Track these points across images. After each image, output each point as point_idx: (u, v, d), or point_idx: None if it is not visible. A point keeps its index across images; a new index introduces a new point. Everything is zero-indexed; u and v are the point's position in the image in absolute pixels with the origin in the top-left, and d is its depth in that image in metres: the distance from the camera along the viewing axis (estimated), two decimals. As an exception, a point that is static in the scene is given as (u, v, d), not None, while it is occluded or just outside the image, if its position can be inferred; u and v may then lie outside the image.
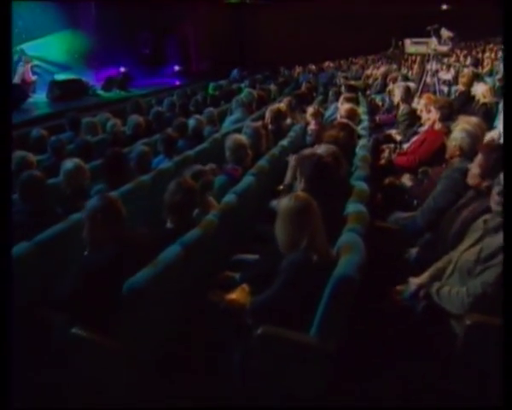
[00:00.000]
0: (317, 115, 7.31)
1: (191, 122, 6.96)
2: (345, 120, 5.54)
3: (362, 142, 5.67)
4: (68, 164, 4.44)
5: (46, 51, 17.66)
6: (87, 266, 2.98)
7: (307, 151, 4.11)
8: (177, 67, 20.96)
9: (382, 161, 5.78)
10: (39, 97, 13.68)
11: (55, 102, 12.34)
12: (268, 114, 6.95)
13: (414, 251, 3.58)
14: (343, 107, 6.55)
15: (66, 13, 17.09)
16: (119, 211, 3.19)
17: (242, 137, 5.23)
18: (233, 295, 3.15)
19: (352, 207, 3.55)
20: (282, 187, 4.84)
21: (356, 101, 8.13)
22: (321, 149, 3.95)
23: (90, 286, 2.87)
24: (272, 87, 12.27)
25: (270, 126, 6.79)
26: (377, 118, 8.74)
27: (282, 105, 7.51)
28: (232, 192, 4.42)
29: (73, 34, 17.54)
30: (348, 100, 7.39)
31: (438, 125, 5.57)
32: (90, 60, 17.90)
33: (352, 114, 6.20)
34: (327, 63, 22.06)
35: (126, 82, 15.45)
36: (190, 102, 10.04)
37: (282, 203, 2.89)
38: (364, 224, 3.29)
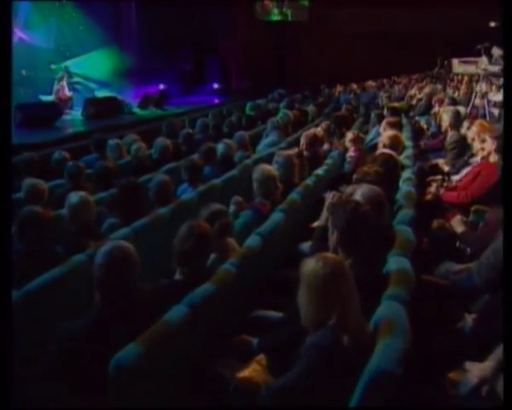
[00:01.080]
0: (357, 141, 6.70)
1: (220, 147, 6.42)
2: (387, 152, 4.91)
3: (406, 174, 5.03)
4: (73, 198, 3.95)
5: (87, 68, 17.61)
6: (61, 338, 2.41)
7: (341, 197, 3.50)
8: (216, 85, 20.61)
9: (429, 197, 5.12)
10: (77, 114, 13.45)
11: (90, 120, 12.06)
12: (303, 140, 6.36)
13: (470, 319, 2.91)
14: (386, 134, 5.90)
15: (108, 30, 16.98)
16: (126, 269, 2.62)
17: (271, 168, 4.66)
18: (246, 372, 2.57)
19: (395, 262, 2.93)
20: (316, 224, 4.24)
21: (399, 125, 7.48)
22: (359, 192, 3.33)
23: (67, 364, 2.32)
24: (311, 108, 11.67)
25: (305, 153, 6.20)
26: (422, 143, 8.06)
27: (319, 130, 6.91)
28: (256, 233, 3.85)
29: (115, 51, 17.41)
30: (391, 125, 6.74)
31: (494, 158, 4.87)
32: (129, 77, 17.72)
33: (395, 143, 5.56)
34: (369, 82, 21.33)
35: (163, 100, 15.11)
36: (225, 122, 9.54)
37: (308, 267, 2.30)
38: (409, 287, 2.66)
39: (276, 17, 24.72)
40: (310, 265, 2.29)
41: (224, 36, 21.86)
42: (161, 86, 18.62)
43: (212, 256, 3.40)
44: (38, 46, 17.24)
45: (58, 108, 11.50)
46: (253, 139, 8.81)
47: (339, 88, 20.12)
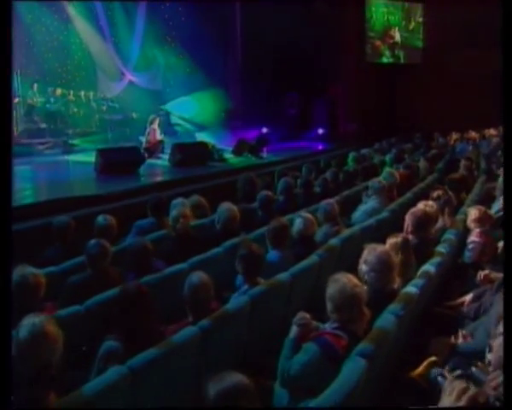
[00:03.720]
0: (484, 221, 4.85)
1: (297, 223, 4.79)
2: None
3: None
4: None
5: (188, 110, 17.01)
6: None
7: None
8: (321, 130, 18.99)
9: None
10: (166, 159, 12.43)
11: (176, 167, 10.92)
12: (409, 220, 4.56)
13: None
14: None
15: (212, 72, 16.09)
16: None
17: (355, 283, 2.98)
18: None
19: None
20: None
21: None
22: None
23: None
24: (422, 164, 9.72)
25: (410, 237, 4.40)
26: None
27: (430, 205, 5.02)
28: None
29: (218, 94, 16.46)
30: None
31: None
32: (230, 120, 16.68)
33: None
34: (490, 130, 18.63)
35: (260, 146, 13.67)
36: (318, 180, 7.90)
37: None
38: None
39: (387, 59, 22.83)
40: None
41: (332, 78, 20.36)
42: (264, 130, 17.41)
43: None
44: (146, 88, 17.06)
45: (140, 153, 10.40)
46: (348, 202, 7.15)
47: (454, 136, 17.70)
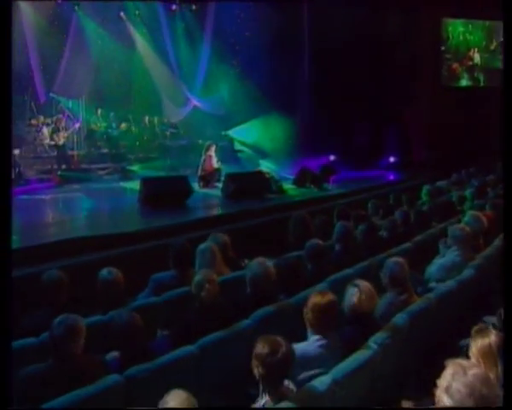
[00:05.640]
0: None
1: (349, 294, 3.43)
2: None
3: None
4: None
5: (250, 136, 16.10)
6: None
7: None
8: (392, 158, 17.36)
9: None
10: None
11: (230, 199, 9.73)
12: (475, 350, 3.07)
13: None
14: None
15: (275, 96, 14.99)
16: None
17: None
18: None
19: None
20: None
21: None
22: None
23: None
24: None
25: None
26: None
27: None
28: None
29: (281, 118, 15.29)
30: None
31: None
32: (294, 146, 15.40)
33: None
34: None
35: (325, 175, 12.29)
36: (384, 223, 6.45)
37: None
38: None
39: (466, 82, 20.86)
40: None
41: (405, 103, 18.75)
42: (331, 157, 16.09)
43: None
44: (211, 113, 16.36)
45: (188, 183, 9.22)
46: (421, 250, 5.73)
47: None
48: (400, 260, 4.07)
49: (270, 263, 4.00)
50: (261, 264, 3.94)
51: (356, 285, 3.41)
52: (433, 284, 5.02)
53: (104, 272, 4.03)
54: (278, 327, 3.64)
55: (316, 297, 3.19)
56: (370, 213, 7.20)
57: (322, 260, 4.75)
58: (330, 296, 3.20)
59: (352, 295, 3.37)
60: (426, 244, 6.04)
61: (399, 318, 3.50)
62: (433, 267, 5.18)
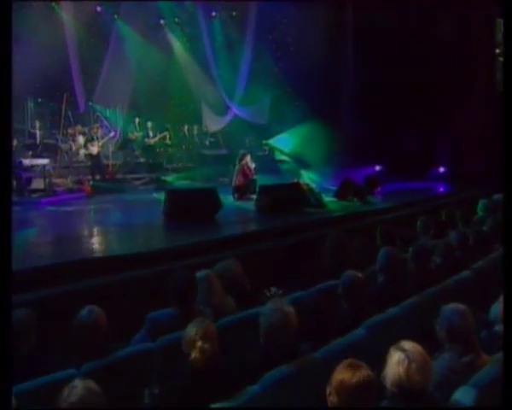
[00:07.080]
0: None
1: (393, 362, 2.40)
2: None
3: None
4: None
5: (292, 145, 15.27)
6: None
7: None
8: (442, 169, 16.02)
9: None
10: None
11: (263, 213, 8.73)
12: None
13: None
14: None
15: (318, 104, 14.02)
16: None
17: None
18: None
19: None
20: None
21: None
22: None
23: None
24: None
25: None
26: None
27: None
28: None
29: (324, 127, 14.22)
30: None
31: None
32: (338, 156, 14.30)
33: None
34: None
35: (369, 187, 11.14)
36: (436, 247, 5.34)
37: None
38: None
39: (523, 89, 19.34)
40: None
41: (457, 110, 17.44)
42: (377, 168, 14.97)
43: None
44: (251, 122, 15.65)
45: (217, 196, 8.21)
46: (484, 281, 4.67)
47: None
48: (462, 307, 3.01)
49: (290, 308, 2.99)
50: (278, 310, 2.94)
51: (403, 350, 2.37)
52: (500, 328, 3.92)
53: (84, 312, 3.16)
54: (297, 394, 2.69)
55: (343, 373, 2.16)
56: (420, 233, 6.10)
57: (360, 297, 3.73)
58: (364, 372, 2.16)
59: (399, 364, 2.33)
60: (488, 272, 4.92)
61: (464, 393, 2.45)
62: (501, 305, 4.07)
